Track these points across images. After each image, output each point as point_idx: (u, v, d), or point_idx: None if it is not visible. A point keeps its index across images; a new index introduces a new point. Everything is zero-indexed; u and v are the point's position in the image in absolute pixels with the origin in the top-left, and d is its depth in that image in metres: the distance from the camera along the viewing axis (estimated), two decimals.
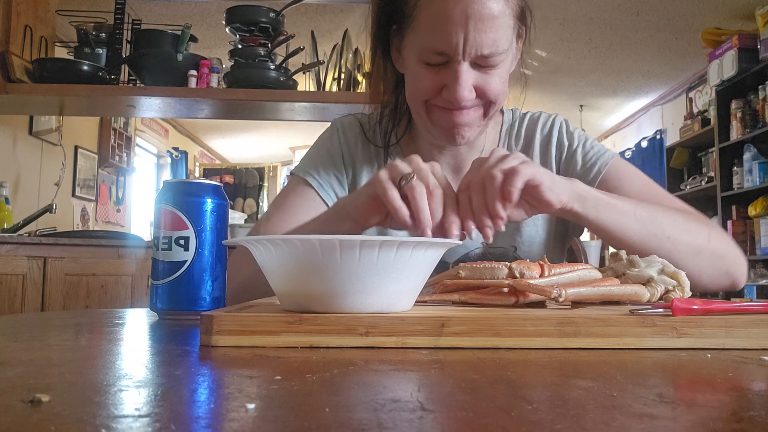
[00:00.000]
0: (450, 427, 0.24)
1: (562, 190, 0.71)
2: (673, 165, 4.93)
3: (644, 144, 5.81)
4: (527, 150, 0.99)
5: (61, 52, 2.75)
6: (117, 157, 4.78)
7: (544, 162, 0.98)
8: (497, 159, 0.70)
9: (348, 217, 0.75)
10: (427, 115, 0.87)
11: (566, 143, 0.98)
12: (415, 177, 0.67)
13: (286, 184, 1.02)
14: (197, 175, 5.86)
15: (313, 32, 2.65)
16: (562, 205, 0.71)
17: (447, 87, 0.82)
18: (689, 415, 0.27)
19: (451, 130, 0.86)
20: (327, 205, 0.95)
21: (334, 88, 2.56)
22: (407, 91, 0.89)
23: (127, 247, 2.38)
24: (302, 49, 2.51)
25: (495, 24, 0.78)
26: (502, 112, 1.03)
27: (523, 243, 0.96)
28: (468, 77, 0.81)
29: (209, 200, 0.66)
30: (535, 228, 0.97)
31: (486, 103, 0.85)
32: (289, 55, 2.51)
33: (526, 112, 1.05)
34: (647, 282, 0.59)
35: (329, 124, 1.06)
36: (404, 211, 0.66)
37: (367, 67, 2.58)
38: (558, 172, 0.96)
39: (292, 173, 1.01)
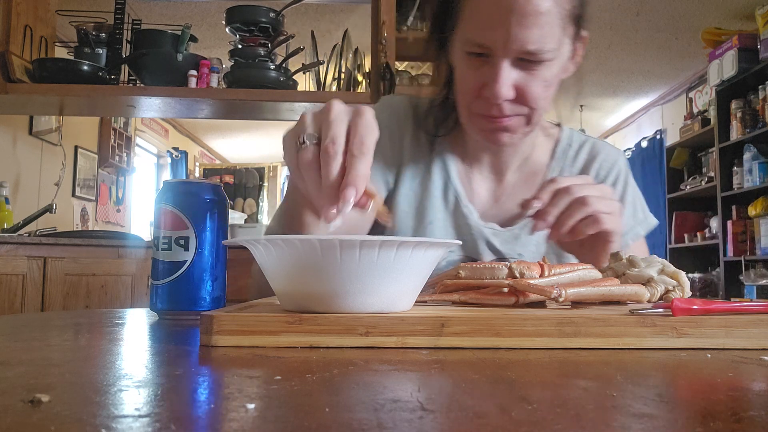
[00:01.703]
0: (450, 427, 0.24)
1: (617, 243, 0.72)
2: (673, 165, 4.93)
3: (644, 144, 5.81)
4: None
5: (61, 52, 2.75)
6: (117, 157, 4.78)
7: None
8: (604, 194, 0.71)
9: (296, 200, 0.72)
10: (469, 120, 0.86)
11: (618, 192, 0.96)
12: (314, 138, 0.53)
13: None
14: (197, 175, 5.86)
15: (313, 32, 2.65)
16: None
17: (486, 85, 0.79)
18: (689, 416, 0.27)
19: (493, 133, 0.84)
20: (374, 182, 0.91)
21: (334, 88, 2.56)
22: (455, 89, 0.87)
23: (127, 247, 2.38)
24: (302, 49, 2.51)
25: (540, 20, 0.75)
26: (559, 126, 1.01)
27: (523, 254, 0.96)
28: (508, 75, 0.78)
29: (209, 200, 0.66)
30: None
31: (527, 110, 0.82)
32: (289, 55, 2.51)
33: (588, 137, 1.02)
34: (647, 282, 0.59)
35: None
36: (304, 185, 0.54)
37: (367, 67, 2.58)
38: None
39: None
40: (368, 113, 0.54)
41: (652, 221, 0.99)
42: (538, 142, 0.98)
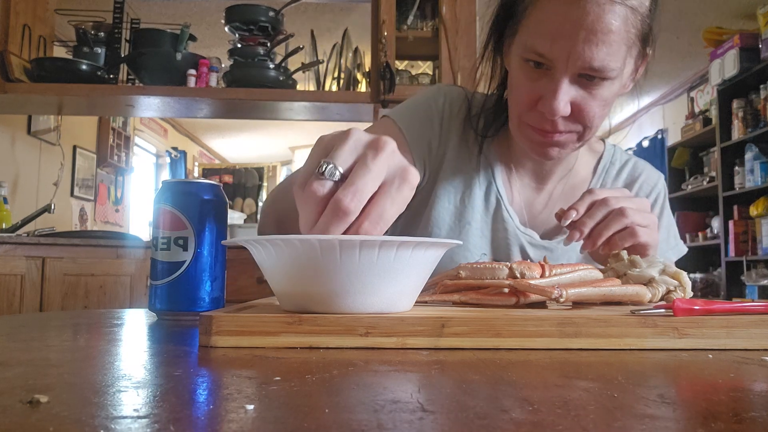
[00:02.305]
0: (450, 428, 0.24)
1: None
2: (674, 165, 4.94)
3: (645, 144, 5.81)
4: None
5: (59, 52, 2.75)
6: (116, 157, 4.78)
7: None
8: (640, 207, 0.71)
9: None
10: (519, 129, 0.83)
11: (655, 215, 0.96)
12: (338, 176, 0.46)
13: (373, 123, 0.95)
14: (196, 174, 5.86)
15: (312, 31, 2.65)
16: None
17: (543, 99, 0.76)
18: (690, 416, 0.27)
19: (542, 146, 0.82)
20: (413, 162, 0.88)
21: (334, 88, 2.56)
22: (508, 95, 0.85)
23: (126, 247, 2.38)
24: (302, 49, 2.51)
25: (608, 39, 0.71)
26: (603, 141, 1.00)
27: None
28: (567, 91, 0.75)
29: (208, 200, 0.65)
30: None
31: (581, 127, 0.79)
32: (288, 55, 2.51)
33: (631, 156, 1.01)
34: (648, 282, 0.59)
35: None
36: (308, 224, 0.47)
37: (367, 67, 2.58)
38: None
39: (385, 116, 0.95)
40: (412, 181, 0.47)
41: (683, 248, 0.99)
42: (582, 158, 0.97)
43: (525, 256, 0.92)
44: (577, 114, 0.77)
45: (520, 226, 0.92)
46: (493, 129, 0.95)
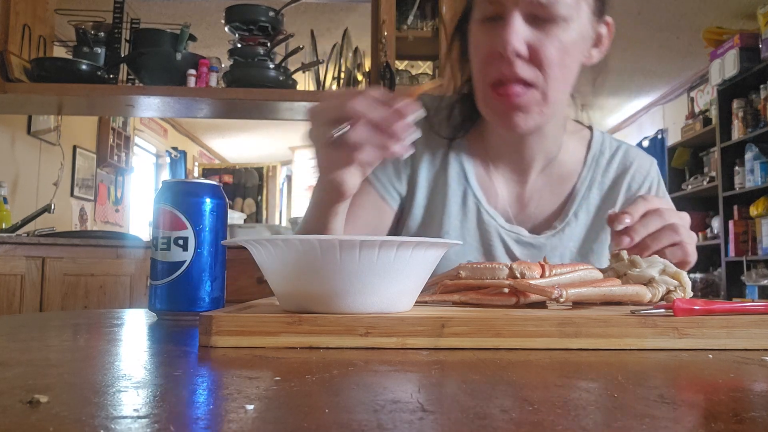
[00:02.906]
0: (450, 428, 0.24)
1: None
2: (674, 165, 4.94)
3: (645, 144, 5.81)
4: (613, 190, 0.95)
5: (59, 52, 2.75)
6: (116, 157, 4.77)
7: (618, 208, 0.93)
8: (685, 222, 0.71)
9: (328, 204, 0.72)
10: (484, 101, 0.83)
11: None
12: (348, 126, 0.59)
13: None
14: (196, 174, 5.86)
15: (312, 31, 2.65)
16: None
17: (499, 40, 0.76)
18: (690, 416, 0.27)
19: (508, 114, 0.81)
20: (389, 205, 0.91)
21: (334, 88, 2.56)
22: (473, 74, 0.85)
23: (126, 247, 2.38)
24: (302, 48, 2.51)
25: None
26: (591, 129, 0.99)
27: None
28: (520, 27, 0.75)
29: (208, 200, 0.65)
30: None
31: (540, 76, 0.78)
32: (288, 54, 2.51)
33: (620, 142, 0.99)
34: (648, 282, 0.59)
35: None
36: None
37: (367, 67, 2.58)
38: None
39: None
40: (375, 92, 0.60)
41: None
42: (568, 147, 0.95)
43: (511, 255, 0.90)
44: (534, 56, 0.77)
45: (504, 224, 0.91)
46: (462, 129, 0.93)
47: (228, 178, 4.75)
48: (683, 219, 0.70)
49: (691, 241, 0.71)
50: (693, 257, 0.72)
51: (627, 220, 0.67)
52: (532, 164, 0.92)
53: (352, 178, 0.66)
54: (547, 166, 0.94)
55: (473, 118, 0.93)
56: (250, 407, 0.27)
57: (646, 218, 0.68)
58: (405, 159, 0.92)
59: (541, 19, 0.76)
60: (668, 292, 0.59)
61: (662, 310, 0.48)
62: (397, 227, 0.95)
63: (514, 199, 0.94)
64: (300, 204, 6.88)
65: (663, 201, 0.71)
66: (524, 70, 0.77)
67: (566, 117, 0.94)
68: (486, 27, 0.79)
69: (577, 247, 0.92)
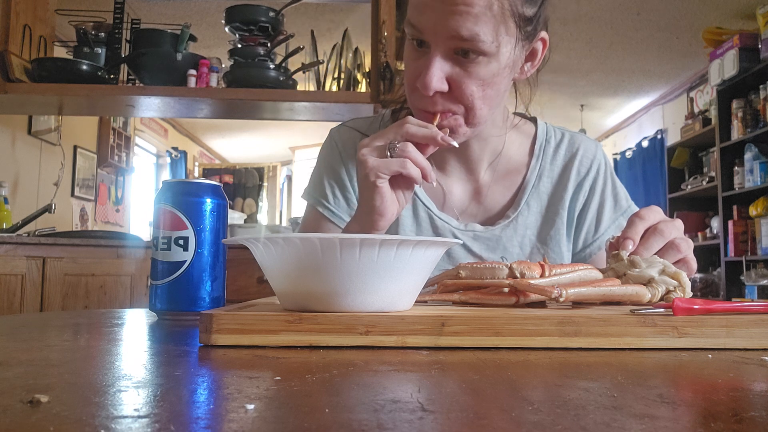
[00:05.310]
0: (450, 427, 0.24)
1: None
2: (674, 165, 4.94)
3: (645, 144, 5.81)
4: (562, 177, 0.96)
5: (60, 52, 2.75)
6: (116, 157, 4.77)
7: (570, 194, 0.96)
8: (681, 231, 0.71)
9: (371, 223, 0.75)
10: (416, 115, 0.83)
11: (598, 191, 0.96)
12: (399, 142, 0.73)
13: (304, 212, 0.99)
14: (196, 174, 5.87)
15: (312, 31, 2.65)
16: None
17: (420, 76, 0.77)
18: (690, 416, 0.27)
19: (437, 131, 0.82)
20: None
21: (334, 88, 2.56)
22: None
23: (126, 247, 2.38)
24: (302, 49, 2.51)
25: (472, 11, 0.73)
26: (534, 122, 0.99)
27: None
28: (440, 66, 0.76)
29: (208, 200, 0.65)
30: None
31: (462, 108, 0.79)
32: (288, 55, 2.50)
33: (564, 130, 1.00)
34: (648, 282, 0.59)
35: (329, 123, 1.04)
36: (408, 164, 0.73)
37: (367, 67, 2.58)
38: (570, 204, 0.95)
39: (304, 198, 0.98)
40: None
41: (635, 209, 0.97)
42: (514, 140, 0.96)
43: (470, 251, 0.92)
44: (456, 91, 0.77)
45: (459, 226, 0.93)
46: None
47: (228, 178, 4.74)
48: (678, 229, 0.70)
49: (690, 251, 0.71)
50: (695, 267, 0.72)
51: (630, 246, 0.66)
52: (480, 162, 0.95)
53: (392, 204, 0.75)
54: (495, 161, 0.96)
55: None
56: (251, 407, 0.27)
57: (647, 240, 0.68)
58: (351, 180, 0.96)
59: (462, 52, 0.76)
60: (668, 292, 0.59)
61: (662, 310, 0.48)
62: None
63: (469, 194, 0.96)
64: (300, 204, 6.87)
65: (655, 212, 0.71)
66: (445, 104, 0.79)
67: (507, 116, 0.96)
68: (414, 49, 0.80)
69: (534, 235, 0.94)
